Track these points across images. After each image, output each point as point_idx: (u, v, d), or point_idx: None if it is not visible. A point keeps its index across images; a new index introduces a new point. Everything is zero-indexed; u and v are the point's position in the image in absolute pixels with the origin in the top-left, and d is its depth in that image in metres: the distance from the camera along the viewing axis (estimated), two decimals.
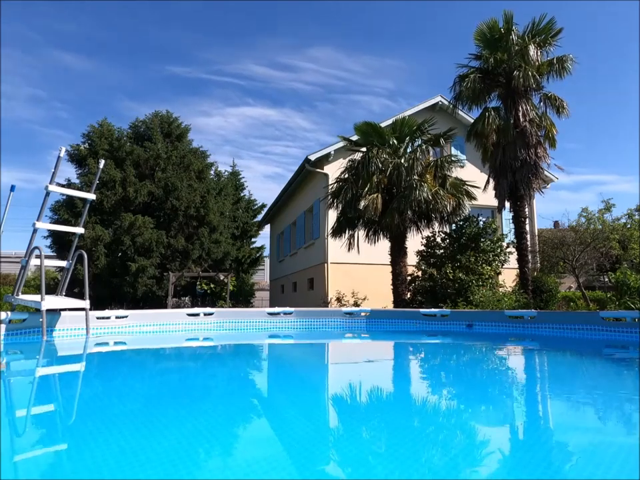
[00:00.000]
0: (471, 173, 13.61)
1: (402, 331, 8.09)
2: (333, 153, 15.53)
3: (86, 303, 6.39)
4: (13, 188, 6.40)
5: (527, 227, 11.79)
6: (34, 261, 6.35)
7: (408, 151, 11.51)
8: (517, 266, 11.48)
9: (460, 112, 15.73)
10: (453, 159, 11.64)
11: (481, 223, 11.63)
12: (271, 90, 58.34)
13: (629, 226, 12.91)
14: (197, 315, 7.88)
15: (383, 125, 12.64)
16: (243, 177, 23.76)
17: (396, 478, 1.68)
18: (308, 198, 18.21)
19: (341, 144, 14.23)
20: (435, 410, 2.98)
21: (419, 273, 11.56)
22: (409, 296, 11.23)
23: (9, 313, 6.04)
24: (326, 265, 15.45)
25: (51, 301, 6.11)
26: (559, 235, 13.82)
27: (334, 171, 13.90)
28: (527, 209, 11.93)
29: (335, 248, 13.87)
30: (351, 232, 11.92)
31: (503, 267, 11.58)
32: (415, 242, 11.78)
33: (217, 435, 2.28)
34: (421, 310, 8.44)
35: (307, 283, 17.89)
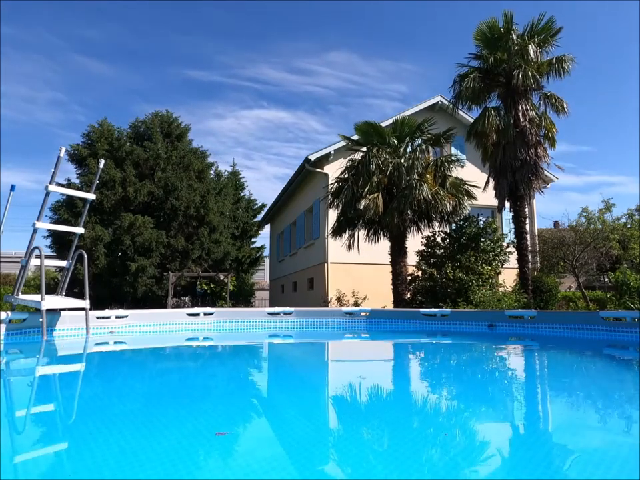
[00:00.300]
0: (471, 173, 13.61)
1: (402, 331, 8.09)
2: (333, 152, 15.53)
3: (86, 303, 6.39)
4: (13, 188, 6.40)
5: (527, 227, 11.79)
6: (34, 261, 6.35)
7: (408, 150, 11.50)
8: (517, 266, 11.48)
9: (460, 112, 15.73)
10: (452, 158, 11.63)
11: (481, 222, 11.63)
12: (285, 93, 58.90)
13: (629, 226, 12.92)
14: (197, 314, 7.88)
15: (383, 124, 12.64)
16: (243, 177, 23.77)
17: (396, 478, 1.68)
18: (308, 198, 18.21)
19: (341, 144, 14.24)
20: (434, 410, 2.98)
21: (419, 273, 11.56)
22: (408, 296, 11.23)
23: (9, 312, 6.03)
24: (326, 264, 15.45)
25: (50, 301, 6.11)
26: (559, 235, 13.83)
27: (334, 170, 13.89)
28: (527, 209, 11.93)
29: (335, 248, 13.87)
30: (351, 232, 11.92)
31: (503, 266, 11.58)
32: (415, 242, 11.78)
33: (216, 434, 2.28)
34: (421, 310, 8.44)
35: (307, 283, 17.89)
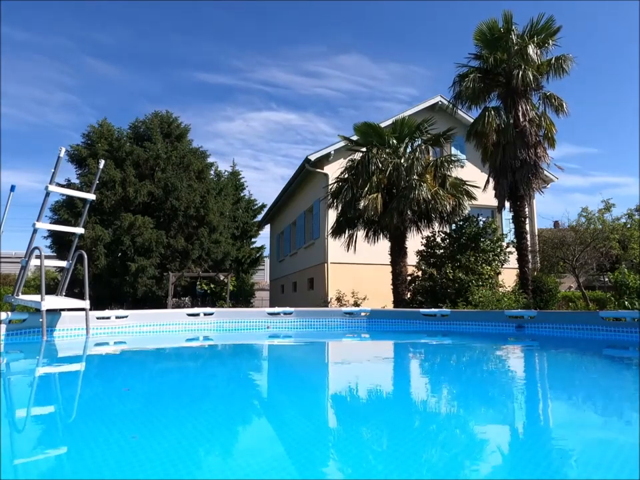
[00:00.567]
0: (471, 173, 13.61)
1: (402, 331, 8.09)
2: (332, 152, 15.53)
3: (86, 303, 6.39)
4: (13, 188, 6.40)
5: (527, 227, 11.78)
6: (34, 261, 6.36)
7: (408, 150, 11.50)
8: (516, 266, 11.48)
9: (460, 112, 15.73)
10: (452, 158, 11.63)
11: (481, 222, 11.63)
12: (295, 95, 59.28)
13: (629, 226, 12.92)
14: (197, 315, 7.88)
15: (382, 125, 12.65)
16: (243, 177, 23.77)
17: (396, 478, 1.68)
18: (308, 198, 18.21)
19: (341, 144, 14.24)
20: (434, 410, 2.98)
21: (419, 273, 11.56)
22: (408, 296, 11.23)
23: (9, 313, 6.04)
24: (326, 264, 15.45)
25: (50, 301, 6.11)
26: (559, 235, 13.83)
27: (334, 170, 13.89)
28: (527, 209, 11.93)
29: (335, 248, 13.86)
30: (350, 232, 11.92)
31: (503, 266, 11.58)
32: (415, 242, 11.78)
33: (217, 434, 2.28)
34: (421, 310, 8.44)
35: (307, 283, 17.89)
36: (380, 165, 10.80)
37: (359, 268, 15.09)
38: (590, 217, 12.82)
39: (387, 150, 11.19)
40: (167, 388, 3.64)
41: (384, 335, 8.04)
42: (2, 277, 24.97)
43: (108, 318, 7.10)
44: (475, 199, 11.44)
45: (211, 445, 2.10)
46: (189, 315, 7.85)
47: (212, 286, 16.34)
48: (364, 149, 11.58)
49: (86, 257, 6.63)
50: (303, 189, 19.02)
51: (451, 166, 11.33)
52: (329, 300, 14.13)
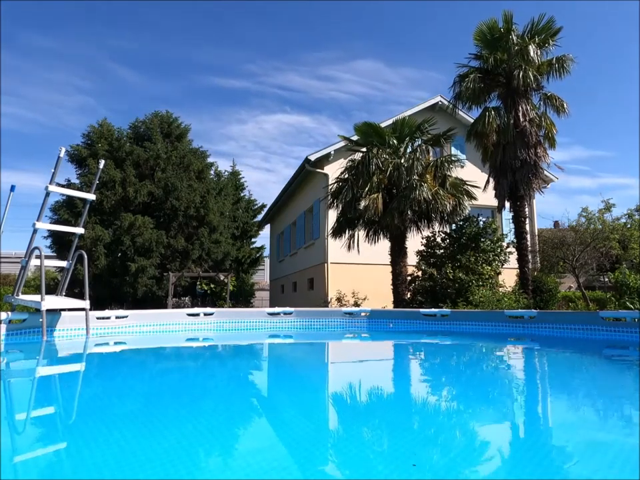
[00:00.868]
0: (471, 173, 13.61)
1: (402, 331, 8.09)
2: (333, 153, 15.53)
3: (86, 303, 6.39)
4: (13, 188, 6.40)
5: (527, 227, 11.79)
6: (34, 261, 6.35)
7: (408, 151, 11.50)
8: (517, 266, 11.48)
9: (460, 112, 15.71)
10: (452, 158, 11.63)
11: (481, 222, 11.63)
12: (310, 99, 59.86)
13: (629, 226, 12.92)
14: (197, 315, 7.88)
15: (383, 125, 12.65)
16: (243, 177, 23.76)
17: (396, 478, 1.68)
18: (308, 198, 18.21)
19: (341, 144, 14.24)
20: (435, 410, 2.98)
21: (419, 273, 11.56)
22: (408, 296, 11.23)
23: (9, 313, 6.04)
24: (326, 264, 15.45)
25: (50, 301, 6.11)
26: (559, 235, 13.83)
27: (334, 171, 13.89)
28: (527, 209, 11.93)
29: (335, 248, 13.86)
30: (350, 232, 11.91)
31: (503, 266, 11.58)
32: (415, 242, 11.78)
33: (217, 435, 2.28)
34: (421, 310, 8.44)
35: (307, 283, 17.89)
36: (380, 165, 10.80)
37: (359, 268, 15.09)
38: (590, 217, 12.82)
39: (388, 150, 11.19)
40: (167, 388, 3.64)
41: (384, 335, 8.04)
42: (2, 277, 24.97)
43: (108, 318, 7.10)
44: (475, 198, 11.44)
45: (211, 445, 2.09)
46: (189, 314, 7.85)
47: (212, 286, 16.35)
48: (364, 149, 11.58)
49: (86, 257, 6.63)
50: (302, 189, 19.02)
51: (451, 166, 11.33)
52: (329, 300, 14.13)
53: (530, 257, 11.87)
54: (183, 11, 36.15)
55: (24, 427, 2.47)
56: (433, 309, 8.53)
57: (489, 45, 11.54)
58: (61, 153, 6.69)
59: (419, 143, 11.64)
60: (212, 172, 19.19)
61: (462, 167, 11.72)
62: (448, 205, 10.56)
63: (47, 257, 7.76)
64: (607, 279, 15.39)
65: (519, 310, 8.29)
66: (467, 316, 8.03)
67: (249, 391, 3.60)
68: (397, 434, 2.30)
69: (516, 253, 11.53)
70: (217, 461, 1.91)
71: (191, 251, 16.65)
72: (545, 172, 13.04)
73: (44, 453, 2.01)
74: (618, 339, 6.36)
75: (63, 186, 14.17)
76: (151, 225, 15.86)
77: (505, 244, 11.68)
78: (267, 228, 27.19)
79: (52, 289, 10.35)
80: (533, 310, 8.12)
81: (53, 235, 16.07)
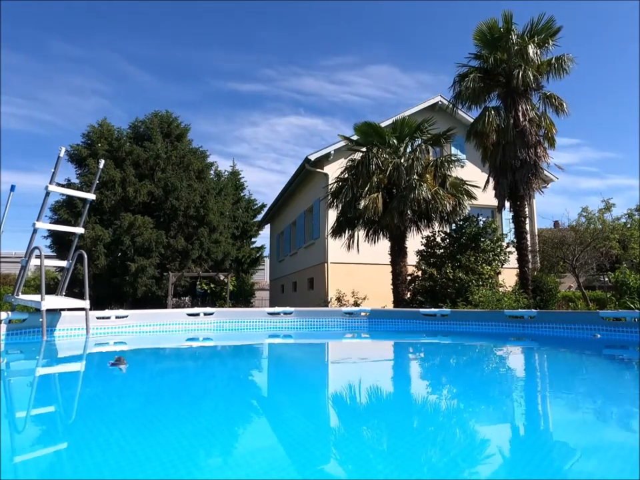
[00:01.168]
0: (471, 173, 13.61)
1: (402, 331, 8.09)
2: (332, 152, 15.53)
3: (86, 303, 6.39)
4: (13, 188, 6.40)
5: (527, 227, 11.79)
6: (34, 261, 6.35)
7: (408, 150, 11.50)
8: (517, 266, 11.48)
9: (460, 112, 15.73)
10: (452, 158, 11.63)
11: (481, 222, 11.63)
12: (324, 102, 60.49)
13: (629, 226, 12.92)
14: (197, 314, 7.88)
15: (383, 125, 12.64)
16: (243, 177, 23.76)
17: (396, 478, 1.68)
18: (308, 198, 18.21)
19: (341, 144, 14.24)
20: (435, 410, 2.98)
21: (419, 273, 11.56)
22: (408, 296, 11.23)
23: (9, 312, 6.04)
24: (326, 264, 15.45)
25: (50, 301, 6.11)
26: (559, 235, 13.83)
27: (334, 170, 13.89)
28: (527, 209, 11.93)
29: (335, 248, 13.86)
30: (350, 232, 11.91)
31: (503, 266, 11.58)
32: (415, 242, 11.77)
33: (217, 435, 2.28)
34: (421, 310, 8.44)
35: (307, 283, 17.89)
36: (380, 165, 10.80)
37: (359, 268, 15.09)
38: (590, 216, 12.82)
39: (387, 150, 11.19)
40: (167, 388, 3.64)
41: (384, 335, 8.04)
42: (2, 277, 24.97)
43: (108, 318, 7.10)
44: (475, 198, 11.44)
45: (211, 445, 2.10)
46: (189, 314, 7.85)
47: (212, 286, 16.34)
48: (364, 149, 11.58)
49: (86, 256, 6.62)
50: (302, 188, 19.02)
51: (451, 166, 11.33)
52: (329, 300, 14.13)
53: (530, 257, 11.87)
54: (202, 16, 36.85)
55: (24, 427, 2.47)
56: (432, 309, 8.53)
57: (489, 44, 11.54)
58: (60, 152, 6.69)
59: (419, 142, 11.64)
60: (212, 172, 19.20)
61: (462, 166, 11.72)
62: (448, 204, 10.56)
63: (47, 257, 7.76)
64: (606, 279, 15.39)
65: (519, 310, 8.29)
66: (467, 316, 8.03)
67: (249, 391, 3.60)
68: (397, 434, 2.30)
69: (516, 252, 11.53)
70: (217, 461, 1.91)
71: (190, 250, 16.64)
72: (545, 172, 13.04)
73: (44, 453, 2.01)
74: (618, 339, 6.36)
75: (62, 186, 14.16)
76: (150, 225, 15.85)
77: (504, 244, 11.68)
78: (267, 228, 27.19)
79: (52, 289, 10.35)
80: (532, 310, 8.12)
81: (53, 234, 16.06)
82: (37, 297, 6.01)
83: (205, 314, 7.93)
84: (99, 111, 61.94)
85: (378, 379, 4.15)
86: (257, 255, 22.55)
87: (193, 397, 3.27)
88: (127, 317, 7.25)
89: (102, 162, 7.90)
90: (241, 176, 23.65)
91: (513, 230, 11.76)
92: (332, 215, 13.23)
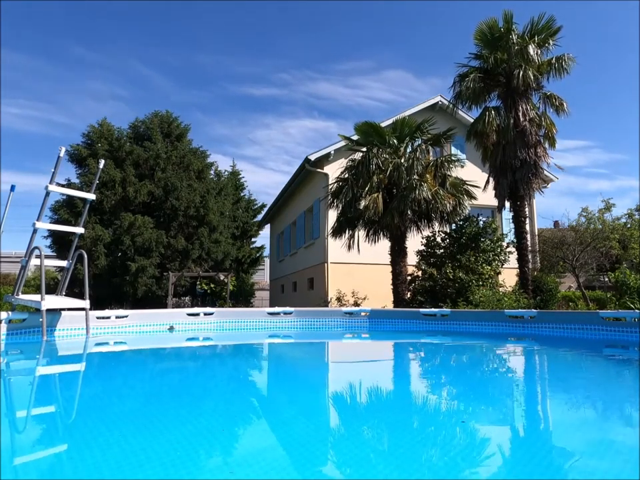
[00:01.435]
0: (471, 173, 13.61)
1: (402, 331, 8.09)
2: (332, 152, 15.53)
3: (86, 303, 6.39)
4: (13, 188, 6.40)
5: (527, 227, 11.79)
6: (34, 261, 6.35)
7: (408, 150, 11.50)
8: (517, 266, 11.48)
9: (460, 112, 15.72)
10: (452, 158, 11.63)
11: (481, 222, 11.63)
12: (337, 105, 61.31)
13: (629, 226, 12.92)
14: (197, 314, 7.88)
15: (383, 124, 12.64)
16: (243, 177, 23.76)
17: (396, 478, 1.68)
18: (308, 198, 18.21)
19: (341, 144, 14.23)
20: (435, 410, 2.98)
21: (419, 273, 11.56)
22: (408, 296, 11.22)
23: (9, 312, 6.04)
24: (326, 264, 15.44)
25: (51, 301, 6.11)
26: (559, 235, 13.83)
27: (334, 170, 13.89)
28: (527, 209, 11.93)
29: (335, 248, 13.86)
30: (351, 232, 11.91)
31: (503, 266, 11.58)
32: (415, 242, 11.77)
33: (217, 434, 2.28)
34: (421, 310, 8.44)
35: (307, 283, 17.89)
36: (380, 165, 10.80)
37: (359, 268, 15.09)
38: (590, 216, 12.82)
39: (388, 150, 11.19)
40: (167, 388, 3.64)
41: (384, 335, 8.04)
42: (2, 277, 24.97)
43: (108, 318, 7.10)
44: (475, 198, 11.44)
45: (211, 445, 2.09)
46: (189, 314, 7.85)
47: (212, 286, 16.34)
48: (364, 149, 11.58)
49: (86, 256, 6.63)
50: (303, 188, 19.02)
51: (451, 166, 11.33)
52: (329, 300, 14.13)
53: (530, 257, 11.87)
54: (220, 22, 37.62)
55: (24, 427, 2.47)
56: (432, 309, 8.53)
57: (489, 44, 11.54)
58: (60, 152, 6.69)
59: (419, 142, 11.64)
60: (212, 172, 19.20)
61: (462, 166, 11.72)
62: (448, 204, 10.56)
63: (47, 257, 7.76)
64: (607, 279, 15.39)
65: (519, 310, 8.29)
66: (467, 316, 8.03)
67: (249, 391, 3.60)
68: (397, 434, 2.30)
69: (516, 252, 11.53)
70: (217, 461, 1.91)
71: (190, 250, 16.65)
72: (545, 172, 13.04)
73: (44, 453, 2.01)
74: (618, 339, 6.36)
75: (63, 186, 14.16)
76: (150, 225, 15.85)
77: (504, 244, 11.68)
78: (267, 228, 27.19)
79: (52, 289, 10.35)
80: (532, 310, 8.12)
81: (53, 234, 16.07)
82: (37, 297, 6.01)
83: (205, 314, 7.93)
84: (115, 114, 63.29)
85: (378, 378, 4.15)
86: (257, 254, 22.55)
87: (193, 396, 3.27)
88: (127, 316, 7.25)
89: (102, 162, 7.90)
90: (240, 176, 23.67)
91: (513, 230, 11.76)
92: (332, 215, 13.23)
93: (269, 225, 26.74)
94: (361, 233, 11.97)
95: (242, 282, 19.10)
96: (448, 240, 11.64)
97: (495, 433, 2.39)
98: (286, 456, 1.97)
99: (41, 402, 3.16)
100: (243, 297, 18.45)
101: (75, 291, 12.99)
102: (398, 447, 2.07)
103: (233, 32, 40.16)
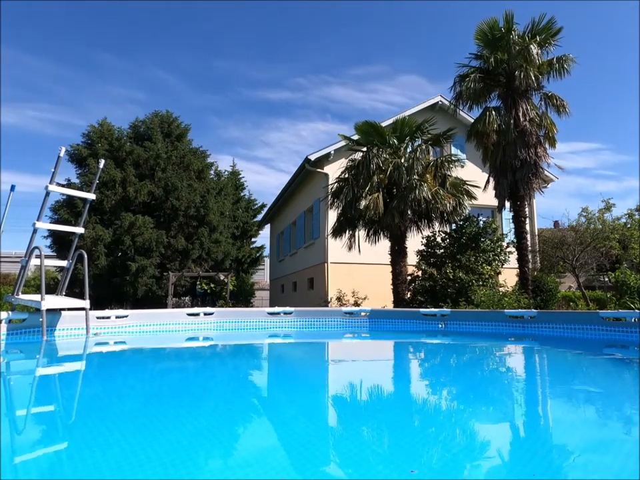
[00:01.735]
0: (471, 173, 13.61)
1: (402, 331, 8.09)
2: (333, 152, 15.53)
3: (86, 303, 6.39)
4: (13, 188, 6.40)
5: (527, 227, 11.78)
6: (34, 261, 6.35)
7: (408, 150, 11.50)
8: (517, 266, 11.48)
9: (460, 112, 15.70)
10: (453, 158, 11.62)
11: (481, 222, 11.63)
12: (351, 109, 62.21)
13: (629, 226, 12.92)
14: (197, 314, 7.88)
15: (383, 124, 12.64)
16: (243, 177, 23.77)
17: (396, 478, 1.68)
18: (308, 198, 18.21)
19: (341, 144, 14.23)
20: (435, 409, 2.98)
21: (419, 273, 11.56)
22: (409, 296, 11.22)
23: (9, 312, 6.04)
24: (326, 264, 15.44)
25: (51, 301, 6.11)
26: (559, 235, 13.83)
27: (334, 170, 13.89)
28: (527, 209, 11.93)
29: (335, 248, 13.86)
30: (351, 232, 11.91)
31: (503, 266, 11.58)
32: (415, 242, 11.77)
33: (217, 435, 2.28)
34: (421, 310, 8.44)
35: (307, 283, 17.89)
36: (381, 165, 10.79)
37: (359, 268, 15.09)
38: (590, 216, 12.82)
39: (388, 149, 11.19)
40: (167, 388, 3.64)
41: (384, 335, 8.04)
42: (2, 277, 24.97)
43: (108, 317, 7.10)
44: (475, 198, 11.44)
45: (211, 445, 2.09)
46: (189, 314, 7.85)
47: (212, 286, 16.34)
48: (364, 149, 11.58)
49: (86, 256, 6.62)
50: (303, 188, 19.02)
51: (451, 166, 11.33)
52: (329, 300, 14.13)
53: (530, 257, 11.87)
54: (238, 28, 38.50)
55: (24, 427, 2.47)
56: (433, 309, 8.53)
57: (490, 44, 11.53)
58: (60, 152, 6.69)
59: (419, 142, 11.64)
60: (212, 172, 19.20)
61: (462, 166, 11.72)
62: (448, 204, 10.56)
63: (47, 257, 7.76)
64: (607, 279, 15.39)
65: (519, 310, 8.29)
66: (467, 316, 8.03)
67: (249, 391, 3.60)
68: (397, 433, 2.29)
69: (516, 252, 11.53)
70: (217, 461, 1.91)
71: (190, 250, 16.65)
72: (545, 172, 13.04)
73: (44, 453, 2.01)
74: (618, 339, 6.36)
75: (63, 186, 14.17)
76: (151, 225, 15.86)
77: (505, 244, 11.68)
78: (267, 228, 27.20)
79: (52, 289, 10.35)
80: (532, 310, 8.12)
81: (52, 234, 16.07)
82: (37, 297, 6.01)
83: (205, 314, 7.93)
84: (132, 117, 63.47)
85: (378, 378, 4.15)
86: (257, 254, 22.57)
87: (193, 396, 3.27)
88: (127, 316, 7.25)
89: (102, 162, 7.90)
90: (240, 176, 23.68)
91: (513, 230, 11.75)
92: (332, 215, 13.23)
93: (269, 224, 26.75)
94: (361, 233, 11.97)
95: (242, 282, 19.11)
96: (448, 240, 11.64)
97: (495, 433, 2.39)
98: (286, 456, 1.97)
99: (41, 402, 3.16)
100: (243, 296, 18.45)
101: (75, 290, 12.98)
102: (398, 447, 2.07)
103: (250, 37, 41.09)
